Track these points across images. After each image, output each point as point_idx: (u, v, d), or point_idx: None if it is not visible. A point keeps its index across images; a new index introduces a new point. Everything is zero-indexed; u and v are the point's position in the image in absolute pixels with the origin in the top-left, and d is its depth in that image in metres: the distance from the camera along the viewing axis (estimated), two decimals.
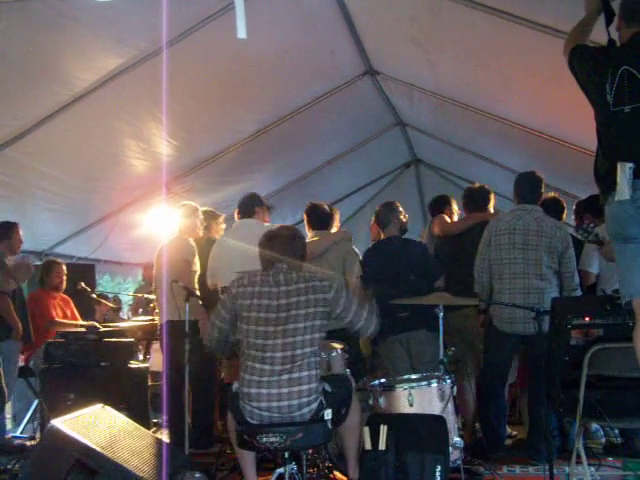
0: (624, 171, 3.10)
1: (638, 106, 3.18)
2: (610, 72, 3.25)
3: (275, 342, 3.80)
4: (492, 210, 5.96)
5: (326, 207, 5.95)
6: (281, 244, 4.11)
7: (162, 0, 4.41)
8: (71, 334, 5.73)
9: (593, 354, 3.69)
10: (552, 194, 5.96)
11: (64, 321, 6.67)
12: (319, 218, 5.83)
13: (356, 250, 5.83)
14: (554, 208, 5.61)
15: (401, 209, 5.62)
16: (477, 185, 6.13)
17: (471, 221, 5.75)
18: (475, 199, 5.95)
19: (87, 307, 7.66)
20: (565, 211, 5.90)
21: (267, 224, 5.72)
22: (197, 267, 5.78)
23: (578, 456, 3.80)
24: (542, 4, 4.61)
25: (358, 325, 4.09)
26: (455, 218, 6.37)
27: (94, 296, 7.73)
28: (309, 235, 5.84)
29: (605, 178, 3.25)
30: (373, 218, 6.36)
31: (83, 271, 8.14)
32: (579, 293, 5.10)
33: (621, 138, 3.25)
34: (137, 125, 6.31)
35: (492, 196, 5.98)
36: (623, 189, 3.09)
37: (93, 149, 6.32)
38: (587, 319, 3.84)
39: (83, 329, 6.34)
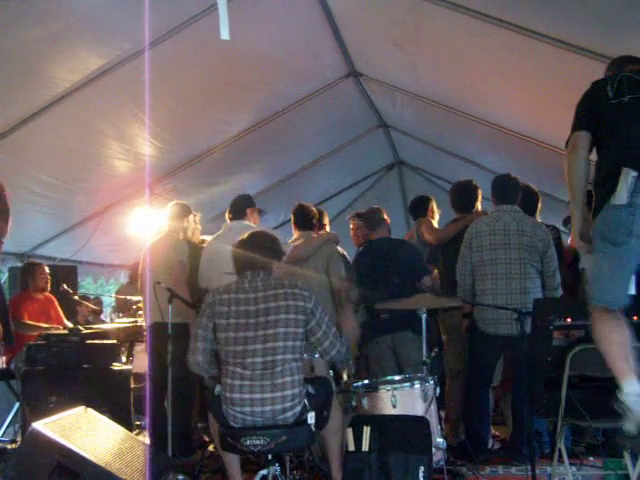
0: (627, 177, 3.14)
1: (636, 96, 3.28)
2: (609, 80, 3.39)
3: (255, 347, 3.79)
4: (479, 207, 5.96)
5: (313, 208, 5.97)
6: (254, 245, 4.10)
7: (145, 1, 4.40)
8: (53, 336, 5.68)
9: (575, 355, 3.71)
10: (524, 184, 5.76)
11: (31, 323, 6.58)
12: (305, 219, 5.83)
13: (342, 252, 5.85)
14: (528, 198, 5.54)
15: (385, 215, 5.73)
16: (463, 181, 6.02)
17: (462, 224, 5.69)
18: (463, 197, 5.90)
19: (69, 309, 7.61)
20: (540, 199, 5.83)
21: (256, 225, 5.68)
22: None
23: (560, 456, 3.82)
24: (525, 8, 4.64)
25: (324, 344, 4.02)
26: (436, 218, 6.37)
27: (76, 298, 7.68)
28: (294, 236, 5.86)
29: (606, 183, 3.27)
30: (353, 224, 6.41)
31: (65, 273, 8.08)
32: (560, 292, 5.12)
33: (622, 128, 3.31)
34: (119, 126, 6.28)
35: (479, 192, 5.96)
36: (622, 194, 3.13)
37: (75, 150, 6.28)
38: (569, 320, 3.87)
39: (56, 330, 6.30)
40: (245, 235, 4.22)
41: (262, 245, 4.13)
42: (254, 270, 4.02)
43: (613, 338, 3.16)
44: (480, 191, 5.95)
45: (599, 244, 3.27)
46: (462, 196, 5.91)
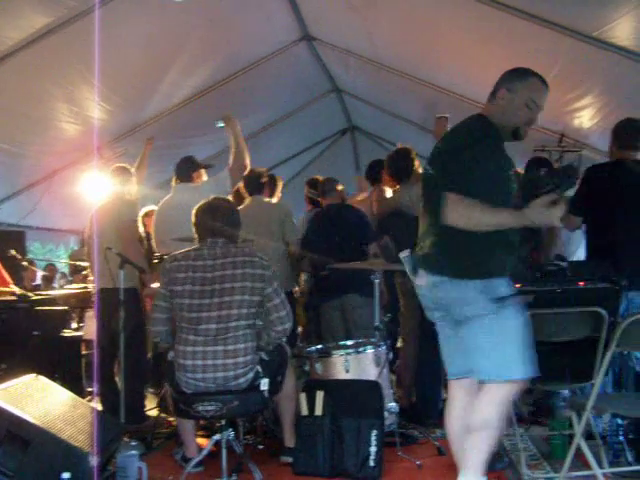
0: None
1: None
2: None
3: (210, 314, 3.79)
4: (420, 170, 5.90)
5: (262, 172, 5.93)
6: (222, 215, 4.07)
7: None
8: (1, 303, 5.57)
9: None
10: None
11: None
12: (255, 183, 5.81)
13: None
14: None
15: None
16: (395, 152, 5.84)
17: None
18: (400, 170, 5.70)
19: (16, 275, 7.46)
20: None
21: (200, 184, 5.64)
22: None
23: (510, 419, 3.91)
24: None
25: (280, 312, 3.98)
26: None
27: (24, 264, 7.53)
28: (246, 201, 5.83)
29: None
30: (306, 189, 6.42)
31: (13, 238, 7.91)
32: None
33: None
34: (68, 88, 6.11)
35: (414, 156, 5.69)
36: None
37: (21, 111, 6.09)
38: (518, 286, 3.93)
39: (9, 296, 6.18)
40: (211, 202, 4.17)
41: (229, 214, 4.13)
42: (214, 237, 4.00)
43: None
44: (414, 155, 5.72)
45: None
46: (398, 170, 5.74)
